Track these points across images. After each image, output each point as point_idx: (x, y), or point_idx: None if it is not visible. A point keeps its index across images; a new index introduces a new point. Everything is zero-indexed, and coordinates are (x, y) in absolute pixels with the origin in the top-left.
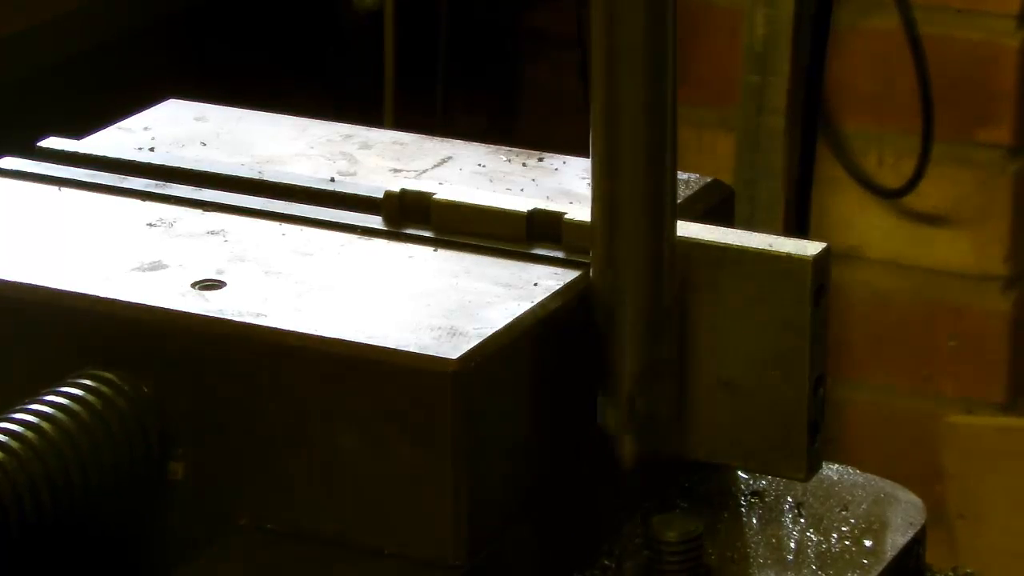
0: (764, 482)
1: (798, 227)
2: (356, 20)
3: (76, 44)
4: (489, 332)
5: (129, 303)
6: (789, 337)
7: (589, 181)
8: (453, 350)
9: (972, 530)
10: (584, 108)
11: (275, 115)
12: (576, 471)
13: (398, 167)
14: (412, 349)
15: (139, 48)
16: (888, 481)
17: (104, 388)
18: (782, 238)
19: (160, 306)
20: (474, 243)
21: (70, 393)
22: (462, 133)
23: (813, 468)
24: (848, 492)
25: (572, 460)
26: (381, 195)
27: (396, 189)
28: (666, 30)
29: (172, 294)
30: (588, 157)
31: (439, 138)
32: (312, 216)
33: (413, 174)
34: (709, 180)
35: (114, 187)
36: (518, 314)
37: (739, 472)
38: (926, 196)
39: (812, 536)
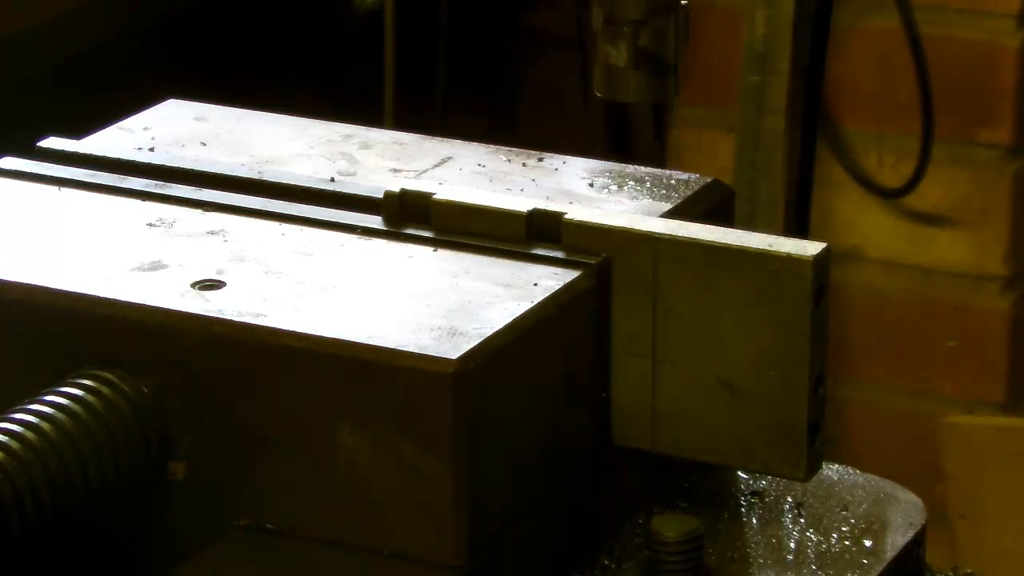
0: (764, 482)
1: (798, 227)
2: (356, 20)
3: (76, 44)
4: (489, 332)
5: (129, 303)
6: (789, 337)
7: (589, 181)
8: (453, 350)
9: (972, 530)
10: (584, 108)
11: (275, 115)
12: (576, 471)
13: (398, 167)
14: (412, 349)
15: (139, 48)
16: (888, 481)
17: (104, 388)
18: (782, 238)
19: (160, 306)
20: (474, 243)
21: (70, 393)
22: (462, 133)
23: (813, 468)
24: (848, 492)
25: (572, 460)
26: (381, 195)
27: (396, 189)
28: None
29: (172, 294)
30: (588, 157)
31: (439, 138)
32: (312, 216)
33: (413, 174)
34: (709, 180)
35: (114, 187)
36: (518, 314)
37: (739, 472)
38: (926, 196)
39: (812, 536)
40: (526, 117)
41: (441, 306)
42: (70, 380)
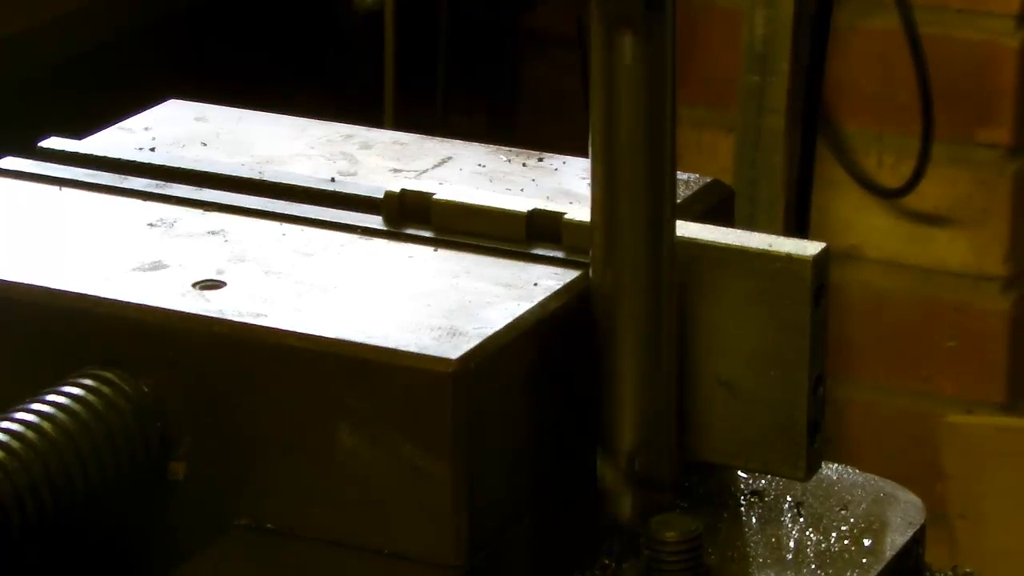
0: (764, 482)
1: (798, 227)
2: (356, 20)
3: (76, 44)
4: (489, 332)
5: (129, 303)
6: (789, 337)
7: (589, 181)
8: (453, 350)
9: (972, 530)
10: (584, 108)
11: (275, 115)
12: (576, 471)
13: (398, 167)
14: (412, 349)
15: (139, 48)
16: (888, 481)
17: (104, 388)
18: (782, 238)
19: (160, 306)
20: (474, 243)
21: (70, 393)
22: (462, 133)
23: (813, 468)
24: (848, 492)
25: (572, 460)
26: (381, 195)
27: (396, 189)
28: (665, 30)
29: (172, 294)
30: (588, 157)
31: (439, 138)
32: (312, 216)
33: (413, 174)
34: (709, 180)
35: (114, 187)
36: (518, 314)
37: (739, 472)
38: (926, 196)
39: (812, 536)
40: (526, 117)
41: (441, 306)
42: (70, 380)
